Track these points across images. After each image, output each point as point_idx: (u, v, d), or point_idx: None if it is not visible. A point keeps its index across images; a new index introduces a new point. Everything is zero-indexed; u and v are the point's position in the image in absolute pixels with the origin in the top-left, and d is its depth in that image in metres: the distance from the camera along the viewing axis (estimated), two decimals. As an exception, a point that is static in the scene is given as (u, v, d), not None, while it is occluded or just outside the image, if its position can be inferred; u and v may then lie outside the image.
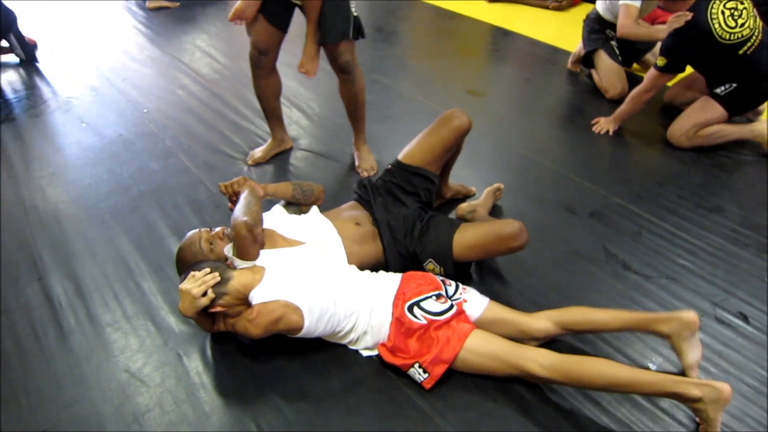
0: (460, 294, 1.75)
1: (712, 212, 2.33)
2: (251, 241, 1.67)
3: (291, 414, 1.58)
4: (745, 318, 1.85)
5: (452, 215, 2.29)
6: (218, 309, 1.62)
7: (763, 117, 2.85)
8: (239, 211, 1.68)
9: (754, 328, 1.81)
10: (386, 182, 2.06)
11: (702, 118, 2.69)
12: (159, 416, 1.59)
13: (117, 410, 1.61)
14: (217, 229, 1.77)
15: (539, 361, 1.52)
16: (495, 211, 2.33)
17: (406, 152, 2.07)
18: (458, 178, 2.43)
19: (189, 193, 2.51)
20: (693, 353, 1.61)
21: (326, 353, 1.72)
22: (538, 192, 2.48)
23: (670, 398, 1.47)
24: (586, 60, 3.44)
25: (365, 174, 2.56)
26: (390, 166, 2.09)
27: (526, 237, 1.79)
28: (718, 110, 2.66)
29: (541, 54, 3.92)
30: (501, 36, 4.31)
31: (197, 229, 1.79)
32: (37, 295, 2.00)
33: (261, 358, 1.73)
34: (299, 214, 1.99)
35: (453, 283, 1.80)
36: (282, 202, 2.03)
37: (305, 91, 3.38)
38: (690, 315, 1.59)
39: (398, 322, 1.65)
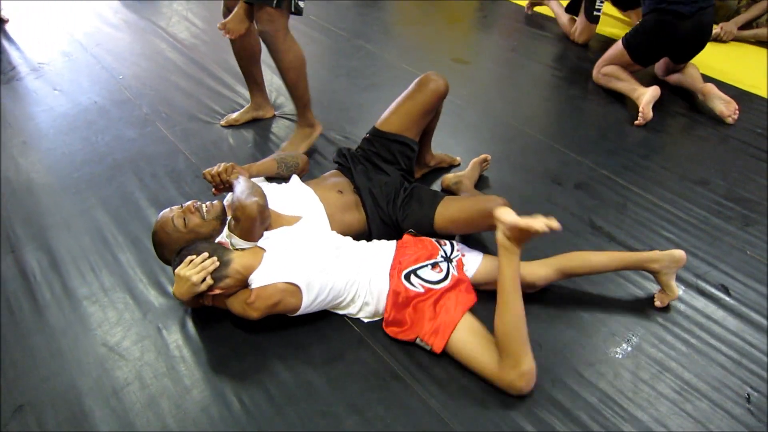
0: (458, 251, 1.77)
1: (697, 184, 2.33)
2: (260, 223, 1.62)
3: (272, 387, 1.56)
4: (726, 290, 1.86)
5: (437, 185, 2.26)
6: (217, 292, 1.59)
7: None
8: (245, 193, 1.61)
9: (735, 300, 1.82)
10: (365, 151, 2.02)
11: (608, 53, 2.89)
12: (138, 390, 1.57)
13: (95, 384, 1.58)
14: (188, 203, 1.72)
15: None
16: (481, 182, 2.30)
17: (383, 119, 2.02)
18: (443, 147, 2.39)
19: (167, 162, 2.44)
20: (675, 288, 1.76)
21: (307, 327, 1.70)
22: (524, 162, 2.46)
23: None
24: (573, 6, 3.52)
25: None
26: (368, 135, 2.05)
27: None
28: (619, 46, 2.83)
29: (529, 22, 3.85)
30: (489, 3, 4.22)
31: (168, 209, 1.72)
32: (11, 269, 1.95)
33: (241, 331, 1.70)
34: (279, 183, 1.94)
35: (447, 242, 1.79)
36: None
37: (287, 57, 3.28)
38: (679, 253, 1.72)
39: (395, 293, 1.65)
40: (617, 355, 1.65)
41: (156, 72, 3.14)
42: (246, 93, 2.74)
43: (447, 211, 1.81)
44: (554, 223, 1.45)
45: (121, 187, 2.30)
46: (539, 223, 1.45)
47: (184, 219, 1.67)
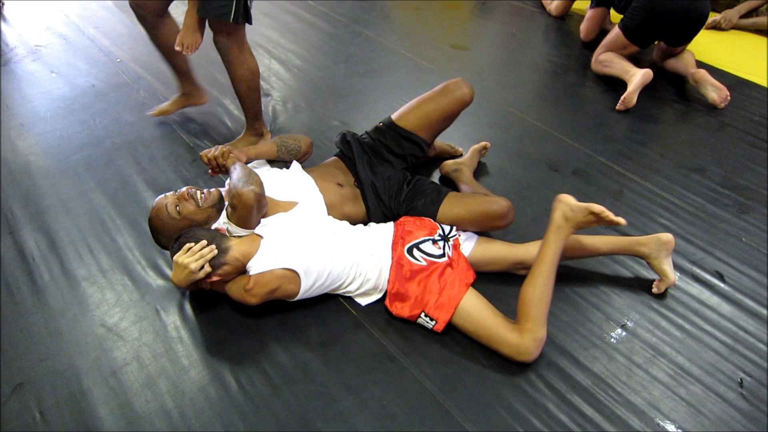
0: (455, 231, 1.79)
1: (693, 172, 2.33)
2: (256, 211, 1.62)
3: (269, 368, 1.58)
4: (721, 276, 1.88)
5: (437, 172, 2.27)
6: (216, 279, 1.60)
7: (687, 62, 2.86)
8: (241, 180, 1.60)
9: (730, 287, 1.84)
10: (374, 141, 2.00)
11: (605, 39, 2.90)
12: (137, 370, 1.58)
13: (94, 364, 1.59)
14: (182, 189, 1.70)
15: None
16: (479, 169, 2.30)
17: (401, 114, 2.00)
18: (442, 134, 2.39)
19: (165, 146, 2.44)
20: (671, 273, 1.77)
21: (305, 310, 1.72)
22: (522, 149, 2.46)
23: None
24: None
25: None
26: (381, 124, 2.02)
27: (512, 216, 1.80)
28: (615, 30, 2.85)
29: (528, 7, 3.83)
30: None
31: (162, 195, 1.72)
32: (9, 250, 1.95)
33: (239, 314, 1.71)
34: (280, 168, 1.93)
35: None
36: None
37: (286, 42, 3.27)
38: (666, 236, 1.75)
39: (398, 265, 1.67)
40: (612, 340, 1.67)
41: (153, 56, 3.09)
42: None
43: (450, 211, 1.82)
44: (622, 220, 1.59)
45: (119, 171, 2.30)
46: (610, 213, 1.59)
47: (178, 206, 1.66)
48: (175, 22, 2.26)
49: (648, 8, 2.70)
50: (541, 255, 1.61)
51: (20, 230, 2.03)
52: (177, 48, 2.08)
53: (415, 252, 1.69)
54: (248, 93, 2.25)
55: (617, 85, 2.82)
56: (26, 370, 1.58)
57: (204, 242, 1.57)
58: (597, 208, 1.60)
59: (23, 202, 2.15)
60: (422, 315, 1.63)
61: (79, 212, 2.10)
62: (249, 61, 2.17)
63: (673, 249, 1.76)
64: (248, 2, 2.02)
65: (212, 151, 1.77)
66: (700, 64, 2.92)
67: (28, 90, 2.82)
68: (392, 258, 1.69)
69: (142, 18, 2.21)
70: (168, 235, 1.66)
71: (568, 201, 1.65)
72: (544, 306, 1.54)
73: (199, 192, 1.69)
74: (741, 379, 1.57)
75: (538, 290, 1.55)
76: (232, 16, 1.98)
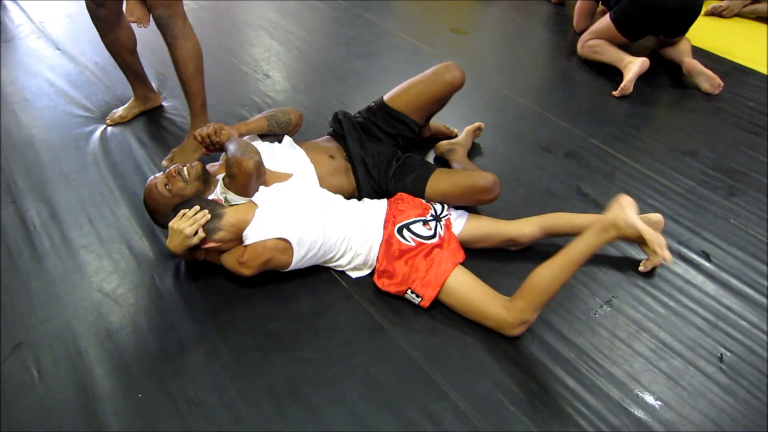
0: (447, 212, 1.82)
1: (685, 155, 2.36)
2: (256, 179, 1.67)
3: (261, 336, 1.62)
4: (707, 256, 1.91)
5: (431, 152, 2.30)
6: (211, 245, 1.64)
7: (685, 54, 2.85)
8: (239, 150, 1.65)
9: (715, 266, 1.87)
10: (366, 120, 2.04)
11: (595, 26, 2.92)
12: (132, 333, 1.63)
13: (91, 327, 1.64)
14: (170, 167, 1.74)
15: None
16: (473, 150, 2.33)
17: (392, 95, 2.03)
18: (438, 115, 2.41)
19: (166, 123, 2.47)
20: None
21: (297, 281, 1.75)
22: (517, 131, 2.49)
23: None
24: None
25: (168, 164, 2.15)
26: (373, 104, 2.06)
27: (498, 190, 1.82)
28: (605, 20, 2.86)
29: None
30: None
31: (152, 176, 1.77)
32: (11, 218, 2.00)
33: (232, 284, 1.75)
34: (272, 142, 1.97)
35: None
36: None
37: (287, 23, 3.30)
38: (655, 216, 1.82)
39: (387, 243, 1.70)
40: (596, 315, 1.70)
41: (156, 35, 3.15)
42: (255, 53, 2.72)
43: (438, 185, 1.85)
44: (668, 256, 1.57)
45: (119, 145, 2.34)
46: (666, 252, 1.56)
47: (167, 185, 1.71)
48: (128, 23, 2.18)
49: (642, 4, 2.70)
50: (571, 247, 1.51)
51: (22, 200, 2.07)
52: (129, 19, 2.00)
53: (405, 232, 1.72)
54: (195, 74, 2.10)
55: (612, 70, 2.84)
56: (25, 331, 1.62)
57: (197, 207, 1.62)
58: (649, 235, 1.50)
59: (26, 174, 2.19)
60: (408, 291, 1.67)
61: (80, 184, 2.15)
62: (192, 36, 2.06)
63: (662, 229, 1.79)
64: None
65: (205, 129, 1.80)
66: (700, 51, 2.94)
67: (33, 66, 2.86)
68: (383, 236, 1.73)
69: (100, 20, 2.15)
70: (163, 213, 1.71)
71: (627, 209, 1.52)
72: (547, 295, 1.51)
73: (185, 168, 1.73)
74: (721, 354, 1.60)
75: (548, 276, 1.50)
76: None
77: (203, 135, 1.80)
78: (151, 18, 2.05)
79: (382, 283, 1.71)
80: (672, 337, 1.65)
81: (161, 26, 2.04)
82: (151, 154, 2.29)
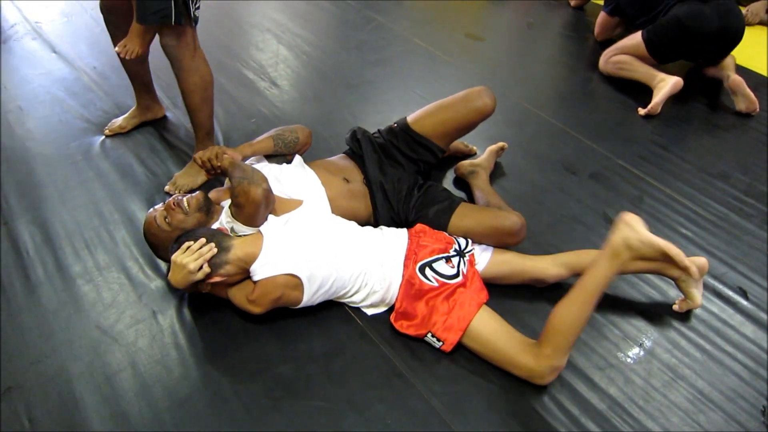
0: (471, 246, 1.71)
1: (716, 178, 2.23)
2: (264, 208, 1.55)
3: (269, 379, 1.51)
4: (744, 293, 1.79)
5: (450, 173, 2.18)
6: (217, 279, 1.52)
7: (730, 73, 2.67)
8: (246, 178, 1.53)
9: (753, 305, 1.76)
10: (386, 142, 1.92)
11: (622, 43, 2.76)
12: (131, 377, 1.51)
13: (87, 369, 1.53)
14: (168, 200, 1.63)
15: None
16: (494, 170, 2.20)
17: (417, 118, 1.91)
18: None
19: (167, 135, 2.35)
20: (699, 296, 1.67)
21: (308, 317, 1.64)
22: (538, 148, 2.36)
23: (654, 273, 1.69)
24: None
25: (172, 189, 2.07)
26: (395, 125, 1.93)
27: (524, 234, 1.72)
28: (636, 38, 2.70)
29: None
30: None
31: (151, 209, 1.66)
32: (3, 242, 1.88)
33: (239, 318, 1.64)
34: (280, 164, 1.85)
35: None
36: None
37: (295, 26, 3.15)
38: (701, 260, 1.66)
39: (408, 283, 1.59)
40: (629, 360, 1.59)
41: (158, 38, 3.01)
42: (262, 58, 2.59)
43: (462, 222, 1.74)
44: (694, 268, 1.50)
45: (118, 160, 2.21)
46: (690, 264, 1.49)
47: (167, 218, 1.60)
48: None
49: (678, 27, 2.54)
50: (585, 279, 1.42)
51: (15, 221, 1.95)
52: (117, 50, 1.90)
53: (427, 271, 1.60)
54: (201, 105, 2.03)
55: (637, 83, 2.70)
56: (16, 374, 1.51)
57: (203, 240, 1.50)
58: (674, 251, 1.41)
59: (19, 191, 2.07)
60: (429, 335, 1.56)
61: (77, 203, 2.02)
62: (202, 68, 1.97)
63: (706, 273, 1.69)
64: (190, 2, 1.81)
65: (207, 153, 1.67)
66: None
67: (27, 70, 2.72)
68: (403, 275, 1.61)
69: (111, 23, 2.06)
70: (165, 247, 1.60)
71: (636, 227, 1.42)
72: (573, 335, 1.41)
73: (185, 199, 1.62)
74: (764, 407, 1.49)
75: (570, 317, 1.40)
76: (173, 19, 1.78)
77: (203, 159, 1.67)
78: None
79: (401, 325, 1.59)
80: (710, 386, 1.54)
81: (168, 55, 1.92)
82: (151, 170, 2.16)
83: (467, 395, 1.49)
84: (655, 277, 1.80)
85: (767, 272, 1.85)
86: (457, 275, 1.61)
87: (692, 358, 1.60)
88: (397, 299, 1.60)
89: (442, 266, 1.61)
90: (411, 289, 1.58)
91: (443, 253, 1.64)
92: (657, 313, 1.71)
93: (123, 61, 2.13)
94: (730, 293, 1.79)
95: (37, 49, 2.88)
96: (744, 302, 1.76)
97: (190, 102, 2.01)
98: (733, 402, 1.50)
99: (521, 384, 1.49)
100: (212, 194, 1.76)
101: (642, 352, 1.61)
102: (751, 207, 2.11)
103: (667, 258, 1.44)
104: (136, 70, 2.23)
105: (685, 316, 1.71)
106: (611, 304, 1.73)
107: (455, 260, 1.64)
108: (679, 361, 1.59)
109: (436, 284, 1.58)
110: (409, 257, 1.63)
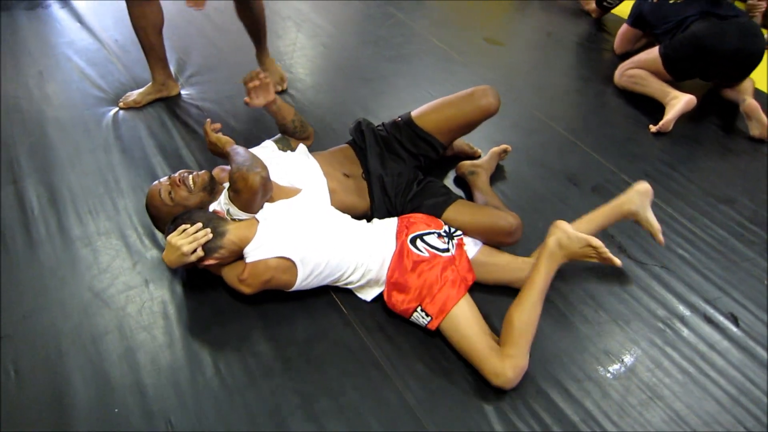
0: (460, 231, 1.74)
1: (721, 202, 2.21)
2: (261, 195, 1.57)
3: (250, 357, 1.54)
4: (735, 320, 1.77)
5: (451, 173, 2.18)
6: (211, 262, 1.55)
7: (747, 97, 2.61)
8: (246, 164, 1.54)
9: (743, 332, 1.74)
10: (389, 135, 1.94)
11: (639, 57, 2.76)
12: (117, 340, 1.55)
13: (75, 328, 1.57)
14: (174, 175, 1.65)
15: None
16: (496, 173, 2.20)
17: (421, 113, 1.92)
18: (462, 132, 2.30)
19: (179, 112, 2.39)
20: (654, 220, 1.80)
21: (295, 301, 1.66)
22: (543, 157, 2.35)
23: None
24: None
25: (278, 88, 2.48)
26: (399, 119, 1.95)
27: (519, 235, 1.74)
28: (653, 53, 2.69)
29: (568, 6, 3.67)
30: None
31: (157, 181, 1.68)
32: (10, 199, 1.94)
33: (228, 296, 1.67)
34: (285, 150, 1.87)
35: None
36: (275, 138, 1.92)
37: (316, 17, 3.18)
38: (643, 185, 1.81)
39: (400, 254, 1.62)
40: (608, 375, 1.58)
41: (181, 17, 3.06)
42: (280, 45, 2.63)
43: (457, 216, 1.75)
44: (617, 261, 1.64)
45: (129, 131, 2.26)
46: (607, 250, 1.62)
47: (171, 192, 1.62)
48: (160, 4, 2.19)
49: (695, 44, 2.52)
50: (531, 280, 1.57)
51: (24, 181, 2.00)
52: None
53: (419, 243, 1.64)
54: (265, 22, 2.45)
55: (651, 100, 2.68)
56: (8, 325, 1.56)
57: (199, 225, 1.52)
58: (596, 242, 1.60)
59: (31, 152, 2.12)
60: (418, 309, 1.57)
61: (85, 169, 2.07)
62: None
63: (651, 199, 1.82)
64: None
65: (252, 73, 1.79)
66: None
67: (52, 38, 2.78)
68: (395, 245, 1.64)
69: None
70: (164, 220, 1.63)
71: (565, 228, 1.64)
72: (529, 333, 1.50)
73: (191, 176, 1.64)
74: (740, 435, 1.48)
75: (524, 316, 1.50)
76: None
77: (249, 76, 1.80)
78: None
79: (392, 298, 1.61)
80: (688, 408, 1.52)
81: None
82: (160, 144, 2.20)
83: (441, 393, 1.49)
84: (644, 294, 1.80)
85: (765, 302, 1.82)
86: (447, 250, 1.64)
87: (673, 379, 1.59)
88: (389, 270, 1.62)
89: (433, 239, 1.65)
90: (402, 260, 1.61)
91: (436, 228, 1.69)
92: (642, 333, 1.70)
93: (139, 30, 2.19)
94: (721, 318, 1.77)
95: (64, 18, 2.94)
96: (734, 329, 1.75)
97: (255, 25, 2.40)
98: (709, 427, 1.49)
99: (497, 389, 1.49)
100: (216, 172, 1.78)
101: (623, 369, 1.60)
102: (753, 234, 2.08)
103: (595, 251, 1.63)
104: (152, 42, 2.26)
105: (670, 338, 1.69)
106: (596, 317, 1.73)
107: (445, 239, 1.68)
108: (660, 380, 1.58)
109: (427, 255, 1.61)
110: (401, 231, 1.67)
